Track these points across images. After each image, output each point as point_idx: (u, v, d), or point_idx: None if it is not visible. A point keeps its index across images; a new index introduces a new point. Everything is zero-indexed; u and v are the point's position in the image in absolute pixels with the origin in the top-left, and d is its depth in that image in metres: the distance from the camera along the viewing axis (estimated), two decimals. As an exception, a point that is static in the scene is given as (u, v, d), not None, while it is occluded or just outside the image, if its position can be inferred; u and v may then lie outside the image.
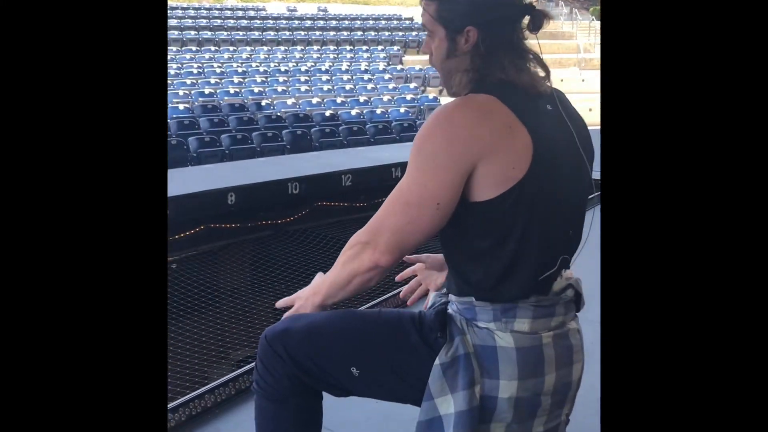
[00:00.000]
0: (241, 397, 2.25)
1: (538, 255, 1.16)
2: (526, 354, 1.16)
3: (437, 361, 1.18)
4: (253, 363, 1.35)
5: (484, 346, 1.17)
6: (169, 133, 8.51)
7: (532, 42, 1.24)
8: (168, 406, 2.11)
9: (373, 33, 18.24)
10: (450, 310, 1.23)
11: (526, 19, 1.21)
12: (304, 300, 1.32)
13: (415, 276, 1.51)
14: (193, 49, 15.09)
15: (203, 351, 3.80)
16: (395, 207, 1.17)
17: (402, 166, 6.30)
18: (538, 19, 1.20)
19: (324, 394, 1.34)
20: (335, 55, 16.02)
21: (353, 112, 10.73)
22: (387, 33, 18.31)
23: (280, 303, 1.38)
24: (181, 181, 5.80)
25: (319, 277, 1.33)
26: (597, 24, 18.40)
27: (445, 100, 13.41)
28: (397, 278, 1.55)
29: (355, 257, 1.19)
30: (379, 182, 6.19)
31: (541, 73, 1.22)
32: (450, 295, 1.27)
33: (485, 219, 1.15)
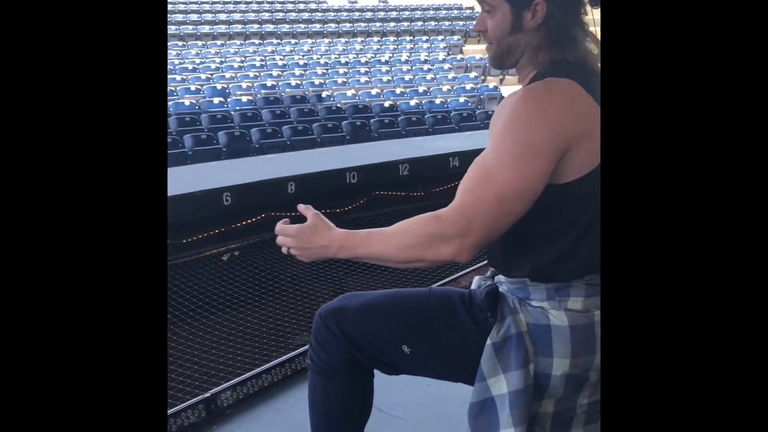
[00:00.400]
0: (296, 377, 2.31)
1: (596, 234, 1.15)
2: (579, 332, 1.16)
3: (488, 341, 1.18)
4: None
5: (537, 324, 1.17)
6: (232, 124, 8.72)
7: (587, 18, 1.23)
8: (225, 385, 2.19)
9: (433, 23, 18.14)
10: (501, 290, 1.23)
11: None
12: (323, 248, 1.19)
13: None
14: (256, 42, 15.36)
15: (263, 337, 3.90)
16: (489, 200, 1.09)
17: (460, 155, 6.30)
18: None
19: (376, 374, 1.37)
20: (395, 46, 16.02)
21: (412, 103, 10.72)
22: (447, 23, 18.17)
23: (280, 229, 1.23)
24: (243, 171, 5.95)
25: (349, 233, 1.19)
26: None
27: (507, 89, 13.18)
28: (276, 229, 1.39)
29: (431, 245, 1.10)
30: (436, 172, 6.18)
31: (595, 50, 1.20)
32: (498, 276, 1.27)
33: (561, 201, 1.14)
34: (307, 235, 1.20)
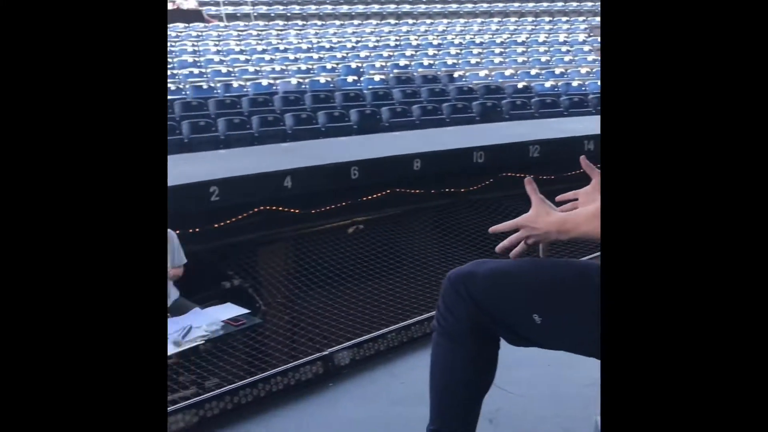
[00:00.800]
0: (414, 345, 2.32)
1: None
2: None
3: None
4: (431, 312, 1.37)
5: None
6: (364, 103, 8.89)
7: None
8: (342, 345, 2.24)
9: (574, 3, 17.41)
10: None
11: None
12: (543, 233, 1.23)
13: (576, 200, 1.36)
14: (392, 22, 15.51)
15: (381, 307, 3.97)
16: None
17: (596, 139, 6.00)
18: None
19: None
20: (533, 27, 15.55)
21: (547, 84, 10.37)
22: (590, 3, 17.36)
23: (498, 228, 1.28)
24: (372, 147, 6.05)
25: (563, 214, 1.23)
26: None
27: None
28: (558, 198, 1.40)
29: None
30: (569, 155, 5.94)
31: None
32: None
33: None
34: (531, 222, 1.24)
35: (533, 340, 1.28)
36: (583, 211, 1.21)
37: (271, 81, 9.60)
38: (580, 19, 16.24)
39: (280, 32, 13.42)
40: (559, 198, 1.42)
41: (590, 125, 6.73)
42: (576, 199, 1.40)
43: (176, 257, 3.89)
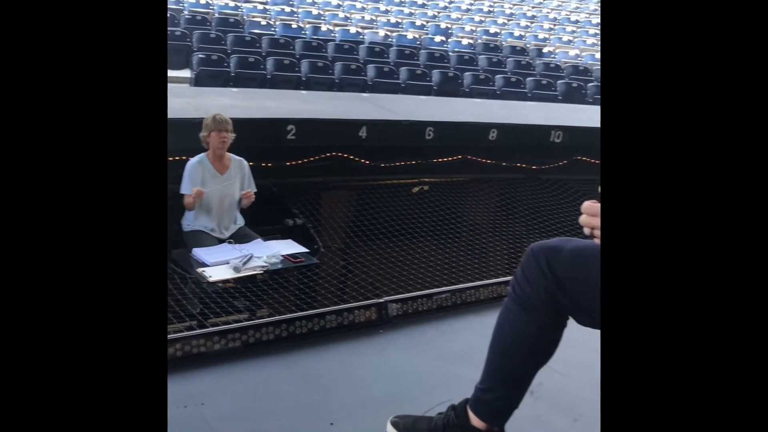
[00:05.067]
0: (463, 309, 2.37)
1: None
2: None
3: None
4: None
5: None
6: (447, 65, 8.79)
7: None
8: (395, 297, 2.31)
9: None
10: None
11: None
12: None
13: None
14: (488, -13, 15.13)
15: (436, 267, 4.02)
16: None
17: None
18: None
19: None
20: (633, 12, 14.93)
21: (638, 74, 10.00)
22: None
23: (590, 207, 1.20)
24: (450, 110, 6.01)
25: None
26: None
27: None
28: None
29: None
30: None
31: None
32: None
33: None
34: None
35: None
36: None
37: (359, 30, 9.58)
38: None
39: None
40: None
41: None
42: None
43: (246, 184, 4.01)
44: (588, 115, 6.34)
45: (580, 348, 1.93)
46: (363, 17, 10.52)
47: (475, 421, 1.42)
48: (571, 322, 1.36)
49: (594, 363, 1.98)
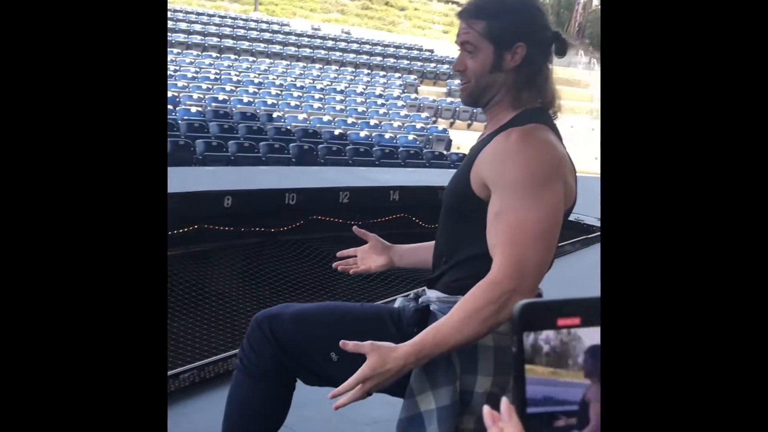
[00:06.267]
0: (203, 385, 2.30)
1: None
2: (503, 352, 1.20)
3: None
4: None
5: None
6: (178, 133, 8.63)
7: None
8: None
9: (392, 60, 18.48)
10: (432, 308, 1.27)
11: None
12: (401, 370, 1.13)
13: (355, 256, 1.56)
14: (213, 55, 15.30)
15: (178, 345, 3.84)
16: (532, 243, 1.14)
17: (401, 190, 6.41)
18: (564, 46, 1.30)
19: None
20: (352, 77, 16.22)
21: (362, 134, 10.84)
22: (406, 62, 18.55)
23: (343, 393, 1.15)
24: (183, 180, 5.88)
25: (417, 344, 1.14)
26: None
27: (457, 132, 13.48)
28: (338, 254, 1.57)
29: (502, 307, 1.12)
30: (375, 203, 6.26)
31: (560, 96, 1.33)
32: (432, 293, 1.31)
33: None
34: (380, 369, 1.14)
35: (331, 378, 1.31)
36: (428, 333, 1.15)
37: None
38: (396, 75, 17.29)
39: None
40: (339, 254, 1.56)
41: (398, 177, 7.16)
42: (356, 255, 1.55)
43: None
44: (319, 176, 6.70)
45: (314, 405, 1.99)
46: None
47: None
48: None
49: (331, 415, 2.06)
